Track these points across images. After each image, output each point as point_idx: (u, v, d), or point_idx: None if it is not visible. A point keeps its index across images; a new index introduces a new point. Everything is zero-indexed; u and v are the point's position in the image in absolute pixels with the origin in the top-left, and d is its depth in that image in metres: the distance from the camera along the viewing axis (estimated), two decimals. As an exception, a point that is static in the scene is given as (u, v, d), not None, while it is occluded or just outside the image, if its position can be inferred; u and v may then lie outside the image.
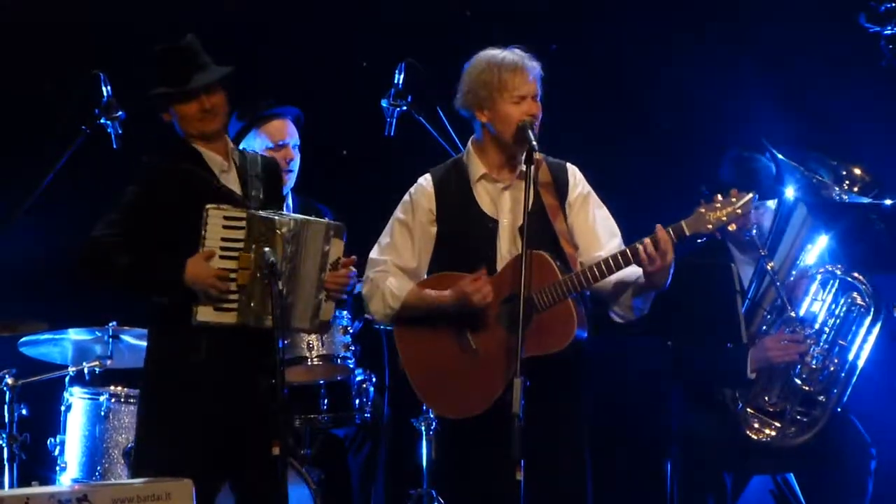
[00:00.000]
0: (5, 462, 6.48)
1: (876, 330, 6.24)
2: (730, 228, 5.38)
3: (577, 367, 5.48)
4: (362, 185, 7.17)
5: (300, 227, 5.36)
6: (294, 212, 6.64)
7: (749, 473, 6.47)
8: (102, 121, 6.49)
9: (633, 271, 5.40)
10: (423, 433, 6.37)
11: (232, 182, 5.47)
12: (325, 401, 6.36)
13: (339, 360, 6.38)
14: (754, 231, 6.16)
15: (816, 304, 6.30)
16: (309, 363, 6.34)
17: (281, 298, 5.20)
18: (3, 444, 6.49)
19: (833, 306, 6.29)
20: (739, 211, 5.32)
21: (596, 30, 7.48)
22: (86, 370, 6.63)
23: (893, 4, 6.22)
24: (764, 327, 6.30)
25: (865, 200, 6.25)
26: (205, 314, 5.27)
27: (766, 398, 6.29)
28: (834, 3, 6.91)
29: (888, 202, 6.25)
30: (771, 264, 6.23)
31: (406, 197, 5.65)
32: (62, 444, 6.57)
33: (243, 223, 5.29)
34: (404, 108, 6.61)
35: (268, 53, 7.53)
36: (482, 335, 5.47)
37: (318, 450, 6.55)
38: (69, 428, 6.57)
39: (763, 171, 6.39)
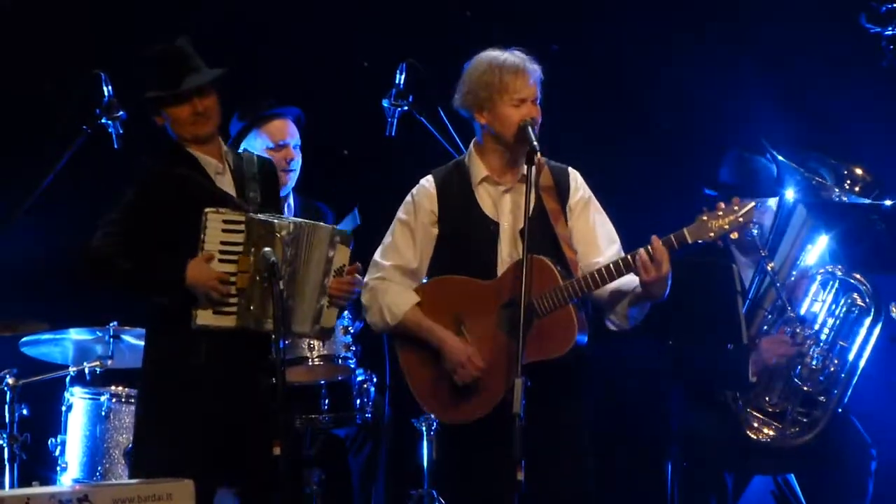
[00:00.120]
0: (6, 462, 6.48)
1: (876, 331, 6.25)
2: (732, 236, 5.38)
3: (578, 372, 5.48)
4: (363, 185, 7.16)
5: (300, 230, 5.36)
6: (295, 212, 6.67)
7: (750, 473, 6.48)
8: (103, 121, 6.49)
9: (630, 280, 5.40)
10: (424, 433, 6.37)
11: (227, 184, 5.46)
12: (326, 401, 6.35)
13: (340, 361, 6.38)
14: (755, 231, 6.15)
15: (816, 304, 6.31)
16: (310, 363, 6.34)
17: (281, 299, 5.20)
18: (4, 444, 6.49)
19: (833, 307, 6.30)
20: (741, 219, 5.31)
21: (596, 30, 7.48)
22: (86, 370, 6.64)
23: (894, 5, 6.22)
24: (765, 327, 6.31)
25: (866, 201, 6.26)
26: (204, 318, 5.27)
27: (767, 398, 6.30)
28: (834, 4, 6.91)
29: (888, 203, 6.26)
30: (771, 265, 6.23)
31: (408, 198, 5.65)
32: (63, 444, 6.58)
33: (242, 226, 5.28)
34: (405, 108, 6.61)
35: (268, 53, 7.53)
36: (482, 340, 5.47)
37: (318, 450, 6.55)
38: (70, 428, 6.58)
39: (764, 172, 6.40)
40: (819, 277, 6.31)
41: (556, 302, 5.36)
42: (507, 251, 5.52)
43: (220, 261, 5.26)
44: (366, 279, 5.60)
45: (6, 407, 6.50)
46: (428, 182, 5.65)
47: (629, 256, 5.35)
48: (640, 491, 7.04)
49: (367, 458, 6.67)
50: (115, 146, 6.49)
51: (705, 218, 5.35)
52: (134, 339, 6.65)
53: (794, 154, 6.35)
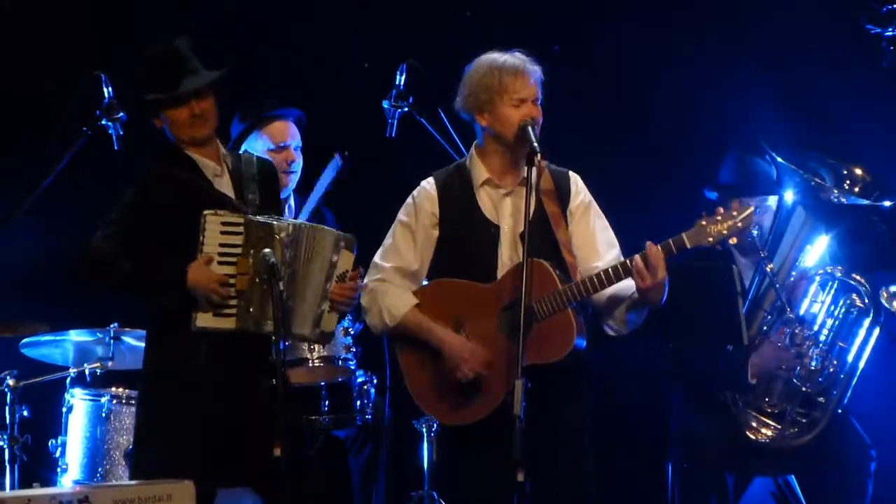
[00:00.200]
0: (6, 463, 6.47)
1: (876, 331, 6.25)
2: (731, 242, 5.37)
3: (577, 375, 5.49)
4: (363, 186, 7.16)
5: (299, 231, 5.36)
6: (296, 213, 6.66)
7: (750, 474, 6.48)
8: (104, 122, 6.48)
9: (628, 285, 5.40)
10: (425, 435, 6.35)
11: (225, 186, 5.46)
12: (326, 402, 6.35)
13: (340, 362, 6.37)
14: (755, 232, 6.15)
15: (816, 305, 6.31)
16: (310, 364, 6.33)
17: (281, 300, 5.20)
18: (5, 446, 6.48)
19: (832, 308, 6.30)
20: (740, 224, 5.30)
21: (596, 30, 7.48)
22: (87, 371, 6.64)
23: (895, 6, 6.22)
24: (764, 328, 6.31)
25: (865, 202, 6.26)
26: (204, 320, 5.27)
27: (767, 399, 6.30)
28: (834, 4, 6.91)
29: (887, 203, 6.26)
30: (770, 266, 6.23)
31: (409, 200, 5.66)
32: (63, 445, 6.58)
33: (241, 228, 5.28)
34: (406, 109, 6.60)
35: (268, 53, 7.53)
36: (482, 342, 5.47)
37: (318, 451, 6.55)
38: (70, 429, 6.58)
39: (763, 173, 6.39)
40: (818, 278, 6.31)
41: (555, 306, 5.36)
42: (508, 254, 5.52)
43: (220, 263, 5.26)
44: (365, 281, 5.61)
45: (7, 408, 6.49)
46: (429, 184, 5.65)
47: (627, 261, 5.35)
48: (640, 492, 7.04)
49: (367, 459, 6.67)
50: (115, 147, 6.49)
51: (704, 223, 5.34)
52: (134, 341, 6.65)
53: (794, 155, 6.34)
